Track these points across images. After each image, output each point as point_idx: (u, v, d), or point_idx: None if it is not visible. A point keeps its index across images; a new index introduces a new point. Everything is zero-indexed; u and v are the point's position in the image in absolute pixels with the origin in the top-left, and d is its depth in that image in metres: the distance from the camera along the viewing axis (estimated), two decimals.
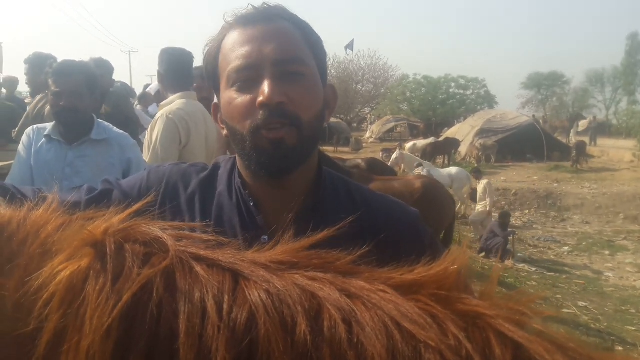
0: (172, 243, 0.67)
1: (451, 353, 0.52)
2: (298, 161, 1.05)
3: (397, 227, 1.11)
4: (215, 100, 1.16)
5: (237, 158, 1.13)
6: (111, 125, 2.96)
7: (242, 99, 1.01)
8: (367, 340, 0.55)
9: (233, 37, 1.05)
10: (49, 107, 4.11)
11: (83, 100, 2.72)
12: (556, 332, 0.56)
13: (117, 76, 4.76)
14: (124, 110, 4.51)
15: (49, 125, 2.82)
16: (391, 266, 0.68)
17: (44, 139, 2.76)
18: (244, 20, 1.05)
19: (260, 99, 0.98)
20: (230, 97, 1.03)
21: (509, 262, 9.78)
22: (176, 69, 3.38)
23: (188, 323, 0.58)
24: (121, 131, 2.96)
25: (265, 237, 1.01)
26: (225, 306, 0.59)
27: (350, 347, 0.55)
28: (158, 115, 3.20)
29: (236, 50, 1.03)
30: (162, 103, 3.34)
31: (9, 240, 0.70)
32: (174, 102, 3.28)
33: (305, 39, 1.07)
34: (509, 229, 10.37)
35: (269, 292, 0.60)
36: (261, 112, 0.99)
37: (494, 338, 0.54)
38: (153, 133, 3.12)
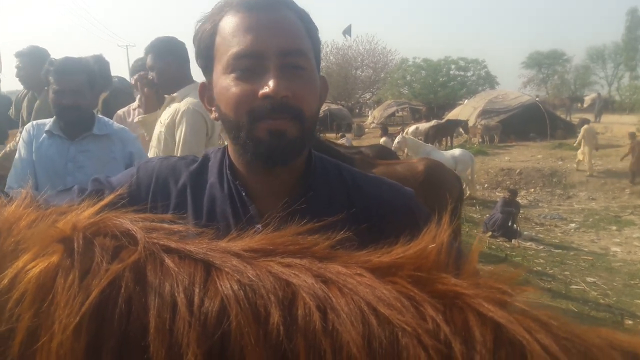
0: (142, 235, 0.65)
1: (429, 337, 0.50)
2: (297, 153, 1.04)
3: (390, 208, 1.09)
4: (204, 80, 1.13)
5: (229, 146, 1.11)
6: (111, 121, 2.97)
7: (241, 87, 0.99)
8: (342, 327, 0.52)
9: (235, 21, 1.01)
10: (38, 102, 4.12)
11: (85, 97, 2.73)
12: (539, 310, 0.53)
13: (114, 71, 4.72)
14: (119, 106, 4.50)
15: (48, 121, 2.82)
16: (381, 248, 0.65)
17: (44, 135, 2.76)
18: (248, 5, 1.01)
19: (266, 91, 0.95)
20: (228, 83, 1.00)
21: (515, 242, 9.75)
22: (182, 61, 3.26)
23: (158, 318, 0.56)
24: (122, 126, 2.97)
25: (259, 226, 0.98)
26: (196, 299, 0.57)
27: (325, 335, 0.52)
28: (181, 109, 3.01)
29: (238, 35, 0.99)
30: (173, 96, 3.17)
31: None
32: (189, 94, 3.10)
33: (306, 30, 1.05)
34: (512, 208, 10.29)
35: (241, 283, 0.57)
36: (263, 103, 0.97)
37: (473, 319, 0.51)
38: (179, 128, 2.95)
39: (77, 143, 2.77)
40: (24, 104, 4.47)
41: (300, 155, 1.07)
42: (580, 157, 16.31)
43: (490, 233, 10.02)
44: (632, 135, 16.53)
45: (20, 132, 4.51)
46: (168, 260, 0.61)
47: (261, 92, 0.96)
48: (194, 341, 0.53)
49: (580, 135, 16.81)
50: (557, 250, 9.59)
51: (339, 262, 0.62)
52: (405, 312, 0.52)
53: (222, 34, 1.02)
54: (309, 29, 1.06)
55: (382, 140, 16.27)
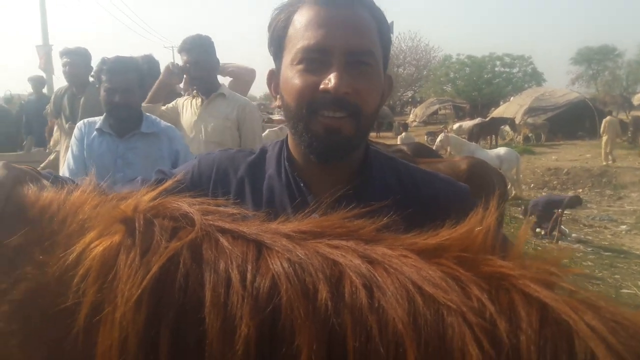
0: (199, 217, 0.69)
1: (474, 315, 0.51)
2: (350, 150, 1.06)
3: (446, 203, 1.09)
4: (273, 67, 1.17)
5: (289, 138, 1.15)
6: (158, 119, 3.07)
7: (305, 79, 1.01)
8: (388, 304, 0.54)
9: (308, 15, 1.03)
10: (83, 99, 4.30)
11: (134, 96, 2.83)
12: (587, 291, 0.53)
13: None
14: None
15: (98, 119, 2.94)
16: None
17: (95, 132, 2.88)
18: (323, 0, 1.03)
19: (327, 85, 0.98)
20: (293, 74, 1.03)
21: (562, 244, 9.43)
22: (213, 53, 3.47)
23: (213, 292, 0.59)
24: (168, 124, 3.07)
25: (316, 216, 1.01)
26: (248, 275, 0.60)
27: (372, 312, 0.54)
28: (246, 105, 3.44)
29: (310, 29, 1.02)
30: (222, 92, 3.45)
31: (50, 221, 0.73)
32: (233, 92, 3.48)
33: (377, 28, 1.07)
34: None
35: (291, 261, 0.60)
36: (323, 96, 0.99)
37: (519, 299, 0.52)
38: (248, 122, 3.38)
39: (126, 140, 2.87)
40: (65, 100, 4.66)
41: (355, 151, 1.09)
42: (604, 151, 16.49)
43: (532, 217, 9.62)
44: None
45: (58, 124, 4.71)
46: (222, 240, 0.65)
47: (322, 86, 0.99)
48: (247, 314, 0.56)
49: (602, 127, 17.11)
50: (606, 253, 9.23)
51: (385, 245, 0.64)
52: (451, 291, 0.54)
53: (295, 26, 1.05)
54: (381, 28, 1.07)
55: (402, 136, 16.22)
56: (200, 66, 3.38)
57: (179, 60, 3.55)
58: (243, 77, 4.10)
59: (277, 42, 1.10)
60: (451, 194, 1.13)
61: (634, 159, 17.24)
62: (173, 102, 3.60)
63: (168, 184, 0.80)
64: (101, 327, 0.63)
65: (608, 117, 17.46)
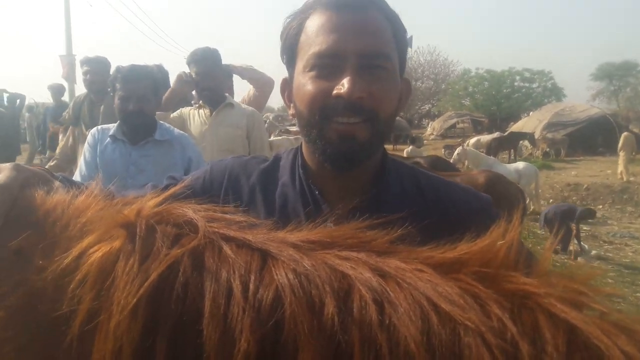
0: (203, 224, 0.66)
1: (493, 336, 0.47)
2: (366, 156, 1.03)
3: (466, 212, 1.05)
4: (286, 76, 1.14)
5: (303, 145, 1.12)
6: (172, 127, 3.08)
7: (317, 85, 0.99)
8: (400, 322, 0.50)
9: (320, 20, 1.00)
10: (103, 106, 4.34)
11: (149, 103, 2.84)
12: (620, 313, 0.48)
13: None
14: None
15: (112, 126, 2.96)
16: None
17: (108, 139, 2.90)
18: (336, 4, 1.00)
19: (340, 91, 0.95)
20: (305, 81, 1.01)
21: (581, 260, 9.21)
22: (220, 65, 3.59)
23: (213, 303, 0.56)
24: (181, 132, 3.09)
25: (331, 225, 0.97)
26: (251, 286, 0.56)
27: (382, 329, 0.50)
28: (254, 115, 3.57)
29: (321, 35, 0.99)
30: (231, 102, 3.55)
31: (53, 225, 0.71)
32: (239, 103, 3.61)
33: (393, 31, 1.03)
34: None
35: (297, 272, 0.56)
36: (336, 101, 0.96)
37: (544, 320, 0.47)
38: (256, 130, 3.51)
39: (139, 147, 2.88)
40: (84, 108, 4.70)
41: (371, 157, 1.05)
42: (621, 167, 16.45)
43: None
44: None
45: (76, 132, 4.74)
46: (226, 248, 0.61)
47: (335, 91, 0.96)
48: (247, 327, 0.53)
49: (620, 143, 16.89)
50: (627, 271, 9.02)
51: (399, 257, 0.60)
52: (469, 309, 0.49)
53: (307, 33, 1.02)
54: (396, 31, 1.04)
55: (408, 149, 16.14)
56: (210, 77, 3.47)
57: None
58: (263, 87, 4.13)
59: (290, 50, 1.07)
60: (473, 205, 1.09)
61: None
62: (177, 112, 3.65)
63: (175, 189, 0.77)
64: (96, 336, 0.60)
65: (625, 133, 17.55)
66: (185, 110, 3.66)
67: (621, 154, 16.26)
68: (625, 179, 15.75)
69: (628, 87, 53.50)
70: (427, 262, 0.57)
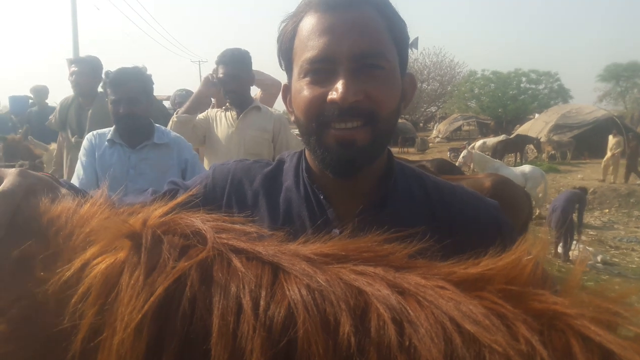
0: (212, 235, 0.63)
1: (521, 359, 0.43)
2: (368, 161, 1.00)
3: (474, 217, 1.03)
4: (286, 81, 1.12)
5: (306, 150, 1.10)
6: (168, 129, 3.08)
7: (312, 91, 0.96)
8: (420, 343, 0.47)
9: (311, 23, 0.98)
10: (91, 111, 4.21)
11: (140, 105, 2.83)
12: None
13: (187, 84, 4.85)
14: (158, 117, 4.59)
15: (108, 130, 2.94)
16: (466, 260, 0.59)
17: (106, 144, 2.89)
18: (326, 4, 0.97)
19: (334, 96, 0.92)
20: (301, 87, 0.99)
21: (579, 258, 9.06)
22: (251, 73, 3.52)
23: (222, 321, 0.53)
24: (177, 134, 3.09)
25: (337, 231, 0.94)
26: (262, 302, 0.53)
27: (401, 351, 0.47)
28: (280, 116, 3.63)
29: (312, 38, 0.96)
30: (259, 105, 3.54)
31: (56, 235, 0.69)
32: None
33: (389, 27, 0.99)
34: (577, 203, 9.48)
35: (310, 288, 0.53)
36: (332, 107, 0.93)
37: (577, 343, 0.44)
38: (283, 133, 3.52)
39: (138, 151, 2.87)
40: (71, 112, 4.44)
41: (374, 161, 1.02)
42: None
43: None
44: None
45: (63, 138, 4.57)
46: (236, 261, 0.59)
47: (329, 97, 0.93)
48: (258, 347, 0.50)
49: (610, 145, 17.50)
50: (634, 277, 8.94)
51: (418, 273, 0.57)
52: (495, 330, 0.46)
53: (300, 37, 1.00)
54: (392, 25, 1.00)
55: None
56: (238, 80, 3.40)
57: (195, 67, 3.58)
58: (270, 89, 4.09)
59: (286, 55, 1.05)
60: (481, 211, 1.06)
61: None
62: (204, 113, 3.60)
63: (182, 198, 0.74)
64: (98, 354, 0.57)
65: (610, 136, 17.96)
66: (212, 112, 3.62)
67: (610, 155, 16.72)
68: (613, 182, 16.05)
69: (635, 89, 53.25)
70: (448, 279, 0.54)
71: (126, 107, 2.77)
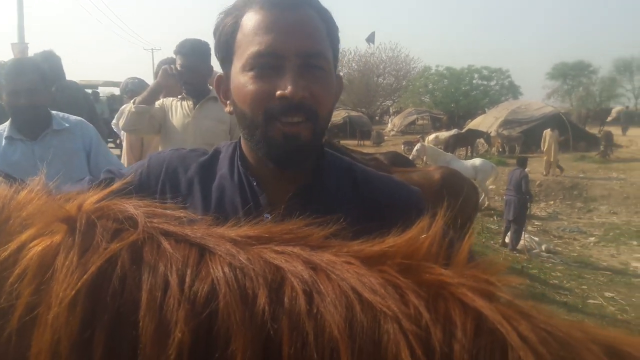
0: (143, 219, 0.67)
1: (409, 322, 0.51)
2: (309, 154, 1.06)
3: (397, 203, 1.10)
4: (221, 72, 1.15)
5: (242, 140, 1.13)
6: (66, 114, 3.02)
7: (259, 86, 1.00)
8: (326, 310, 0.54)
9: (256, 18, 1.01)
10: None
11: (40, 95, 2.78)
12: (523, 301, 0.53)
13: (141, 73, 4.69)
14: (81, 106, 4.44)
15: (3, 127, 2.85)
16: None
17: (4, 142, 2.80)
18: (271, 3, 1.01)
19: (284, 92, 0.96)
20: (246, 81, 1.01)
21: (526, 255, 9.52)
22: (209, 61, 3.45)
23: (149, 295, 0.57)
24: (78, 117, 3.05)
25: (268, 216, 1.00)
26: (187, 279, 0.58)
27: (309, 318, 0.53)
28: None
29: (259, 34, 1.00)
30: (215, 96, 3.42)
31: None
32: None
33: (327, 30, 1.05)
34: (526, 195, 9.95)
35: (232, 265, 0.59)
36: (280, 102, 0.98)
37: (456, 308, 0.52)
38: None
39: (40, 141, 2.81)
40: None
41: (313, 155, 1.09)
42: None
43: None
44: None
45: None
46: (165, 243, 0.63)
47: (279, 92, 0.97)
48: (182, 318, 0.55)
49: (546, 140, 18.19)
50: (575, 264, 9.43)
51: (331, 251, 0.63)
52: (389, 298, 0.53)
53: (244, 31, 1.03)
54: (329, 29, 1.06)
55: None
56: (195, 72, 3.38)
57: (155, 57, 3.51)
58: None
59: (225, 47, 1.08)
60: (403, 197, 1.14)
61: (605, 172, 17.69)
62: (159, 102, 3.56)
63: (116, 185, 0.78)
64: (35, 329, 0.61)
65: (547, 130, 18.68)
66: (167, 100, 3.57)
67: (548, 150, 17.39)
68: (551, 174, 16.82)
69: (581, 87, 55.53)
70: (356, 255, 0.61)
71: (26, 98, 2.70)
